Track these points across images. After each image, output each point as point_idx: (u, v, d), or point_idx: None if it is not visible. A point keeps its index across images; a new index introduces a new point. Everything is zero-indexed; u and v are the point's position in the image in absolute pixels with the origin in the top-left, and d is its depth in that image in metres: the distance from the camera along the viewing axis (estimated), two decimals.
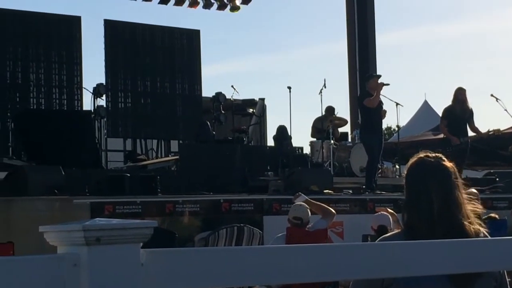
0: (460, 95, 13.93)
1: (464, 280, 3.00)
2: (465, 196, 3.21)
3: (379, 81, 13.42)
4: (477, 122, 14.18)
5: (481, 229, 3.18)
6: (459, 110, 13.85)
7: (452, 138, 13.83)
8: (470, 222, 3.15)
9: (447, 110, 14.10)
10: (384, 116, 13.64)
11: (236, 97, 16.21)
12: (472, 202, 3.23)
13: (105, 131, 15.17)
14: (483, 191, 12.72)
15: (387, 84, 13.44)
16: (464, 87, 13.96)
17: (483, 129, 14.42)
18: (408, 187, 3.25)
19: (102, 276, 1.91)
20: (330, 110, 16.12)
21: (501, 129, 15.01)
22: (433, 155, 3.27)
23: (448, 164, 3.24)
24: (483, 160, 18.49)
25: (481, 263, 2.60)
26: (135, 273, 1.95)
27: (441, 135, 15.73)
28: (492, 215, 9.54)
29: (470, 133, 14.21)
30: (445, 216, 3.12)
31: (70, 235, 1.93)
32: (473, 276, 3.00)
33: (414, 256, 2.43)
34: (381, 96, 13.38)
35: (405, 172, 3.31)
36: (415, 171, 3.25)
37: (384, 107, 13.64)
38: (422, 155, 3.28)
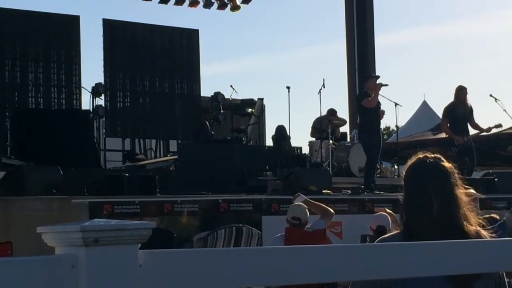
0: (461, 93, 13.90)
1: (463, 281, 2.99)
2: (464, 196, 3.20)
3: (378, 81, 13.41)
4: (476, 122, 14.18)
5: (482, 230, 3.16)
6: (461, 108, 13.82)
7: (455, 137, 13.79)
8: (470, 223, 3.14)
9: (448, 109, 14.04)
10: (383, 116, 13.60)
11: (235, 96, 16.22)
12: (471, 202, 3.22)
13: (104, 130, 15.16)
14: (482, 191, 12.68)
15: (386, 85, 13.41)
16: (465, 86, 13.95)
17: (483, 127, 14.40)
18: (407, 188, 3.23)
19: (100, 277, 1.90)
20: (331, 112, 16.09)
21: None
22: (432, 155, 3.25)
23: (447, 164, 3.23)
24: (482, 160, 18.46)
25: (480, 264, 2.59)
26: (133, 274, 1.94)
27: (441, 135, 15.68)
28: (493, 215, 9.53)
29: (471, 131, 14.18)
30: (445, 217, 3.11)
31: (68, 236, 1.93)
32: (472, 277, 2.99)
33: (413, 257, 2.42)
34: (380, 96, 13.37)
35: (404, 173, 3.29)
36: (414, 171, 3.23)
37: (383, 107, 13.63)
38: (421, 155, 3.26)
